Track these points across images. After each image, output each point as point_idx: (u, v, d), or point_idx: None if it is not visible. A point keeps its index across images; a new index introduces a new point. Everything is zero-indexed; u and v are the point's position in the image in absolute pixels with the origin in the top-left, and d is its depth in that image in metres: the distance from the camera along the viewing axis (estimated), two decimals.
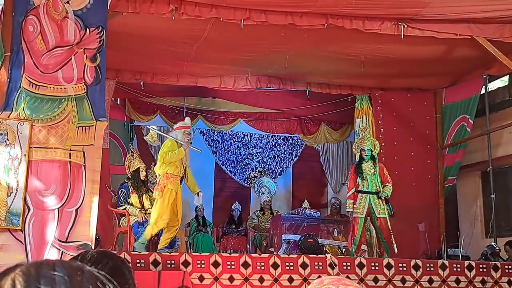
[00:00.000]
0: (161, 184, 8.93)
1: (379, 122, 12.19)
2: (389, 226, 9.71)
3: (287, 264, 8.40)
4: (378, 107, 12.23)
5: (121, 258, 2.09)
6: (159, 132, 10.43)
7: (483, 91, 11.28)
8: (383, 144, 11.97)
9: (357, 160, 10.15)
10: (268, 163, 14.61)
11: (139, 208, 9.76)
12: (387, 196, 9.89)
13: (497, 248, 9.87)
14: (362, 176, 9.89)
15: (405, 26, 8.84)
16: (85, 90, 6.58)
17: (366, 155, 9.95)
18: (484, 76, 11.04)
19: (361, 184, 9.91)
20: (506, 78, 11.47)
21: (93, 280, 1.07)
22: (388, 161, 11.87)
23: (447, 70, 11.28)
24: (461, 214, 12.57)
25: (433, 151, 12.18)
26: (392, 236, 9.66)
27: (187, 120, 9.74)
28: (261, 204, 13.11)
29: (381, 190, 9.85)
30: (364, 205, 9.87)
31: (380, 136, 12.05)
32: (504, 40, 9.18)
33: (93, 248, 6.55)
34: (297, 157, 14.85)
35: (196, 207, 12.70)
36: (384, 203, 9.84)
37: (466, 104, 11.64)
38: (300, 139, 14.81)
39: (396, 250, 9.51)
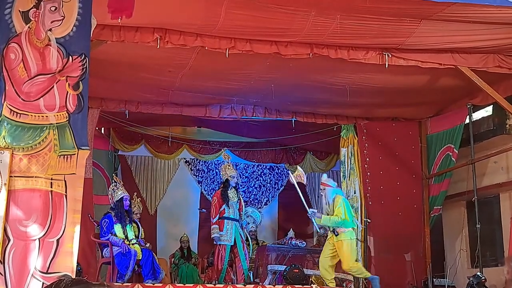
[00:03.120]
0: None
1: (365, 151, 12.17)
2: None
3: None
4: (363, 137, 12.24)
5: (96, 285, 2.00)
6: None
7: (467, 120, 11.31)
8: (368, 173, 11.96)
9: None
10: (254, 193, 14.55)
11: (122, 238, 9.64)
12: None
13: (483, 278, 9.81)
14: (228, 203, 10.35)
15: (390, 56, 8.88)
16: (67, 118, 6.50)
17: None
18: (468, 106, 11.09)
19: (226, 211, 10.20)
20: (490, 108, 11.52)
21: None
22: (374, 191, 11.87)
23: (432, 99, 11.33)
24: (447, 244, 12.53)
25: (418, 181, 12.17)
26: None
27: None
28: (246, 234, 13.03)
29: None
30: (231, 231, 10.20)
31: (366, 165, 12.04)
32: (488, 70, 9.23)
33: None
34: (282, 187, 14.80)
35: (181, 238, 12.60)
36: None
37: (451, 134, 11.66)
38: (286, 169, 14.77)
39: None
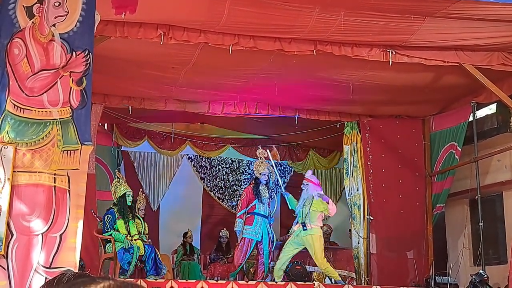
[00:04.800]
0: None
1: (368, 149, 12.15)
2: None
3: None
4: (367, 134, 12.21)
5: (101, 279, 1.99)
6: None
7: (471, 118, 11.30)
8: (371, 171, 11.94)
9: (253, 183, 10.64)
10: None
11: (125, 234, 9.64)
12: None
13: (485, 275, 9.81)
14: (260, 199, 10.25)
15: (394, 53, 8.86)
16: (71, 114, 6.51)
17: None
18: (472, 104, 11.07)
19: (257, 207, 10.12)
20: (494, 106, 11.50)
21: None
22: (376, 188, 11.85)
23: (436, 97, 11.30)
24: (450, 242, 12.52)
25: (421, 178, 12.14)
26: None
27: None
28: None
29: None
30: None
31: (369, 163, 12.02)
32: (492, 68, 9.21)
33: None
34: (285, 184, 14.76)
35: (186, 234, 12.58)
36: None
37: (454, 132, 11.64)
38: (288, 166, 14.75)
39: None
